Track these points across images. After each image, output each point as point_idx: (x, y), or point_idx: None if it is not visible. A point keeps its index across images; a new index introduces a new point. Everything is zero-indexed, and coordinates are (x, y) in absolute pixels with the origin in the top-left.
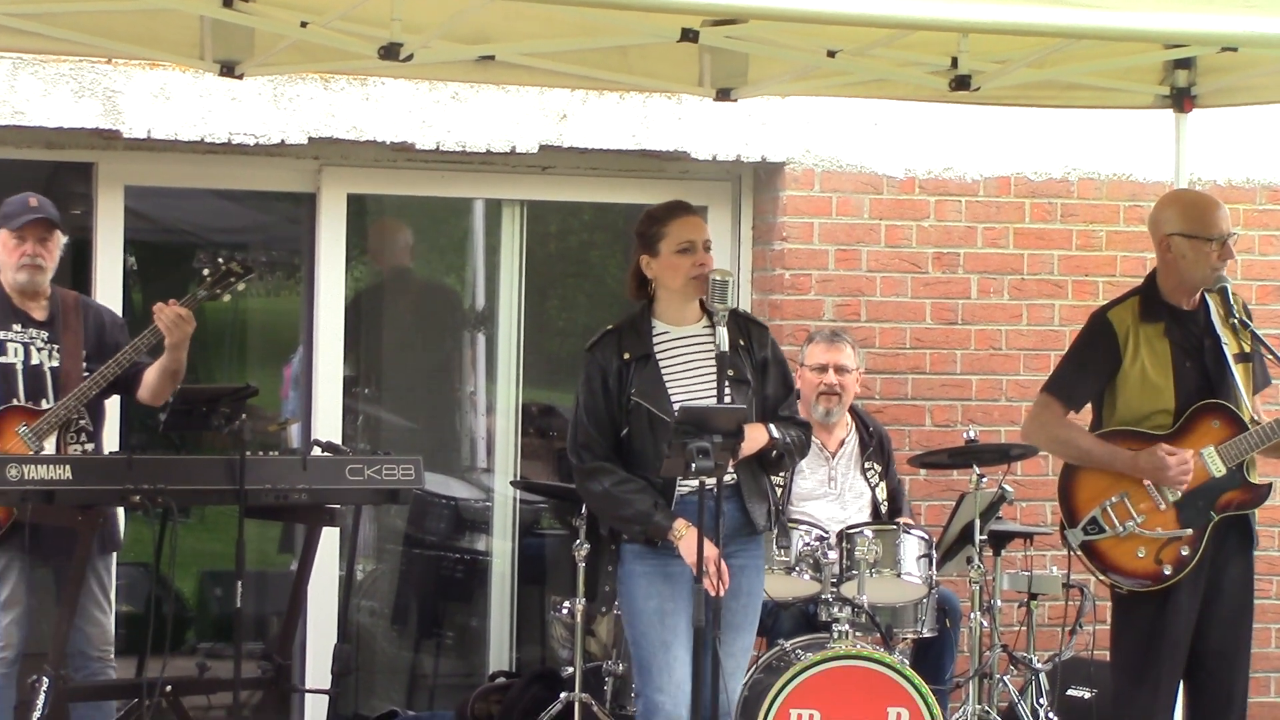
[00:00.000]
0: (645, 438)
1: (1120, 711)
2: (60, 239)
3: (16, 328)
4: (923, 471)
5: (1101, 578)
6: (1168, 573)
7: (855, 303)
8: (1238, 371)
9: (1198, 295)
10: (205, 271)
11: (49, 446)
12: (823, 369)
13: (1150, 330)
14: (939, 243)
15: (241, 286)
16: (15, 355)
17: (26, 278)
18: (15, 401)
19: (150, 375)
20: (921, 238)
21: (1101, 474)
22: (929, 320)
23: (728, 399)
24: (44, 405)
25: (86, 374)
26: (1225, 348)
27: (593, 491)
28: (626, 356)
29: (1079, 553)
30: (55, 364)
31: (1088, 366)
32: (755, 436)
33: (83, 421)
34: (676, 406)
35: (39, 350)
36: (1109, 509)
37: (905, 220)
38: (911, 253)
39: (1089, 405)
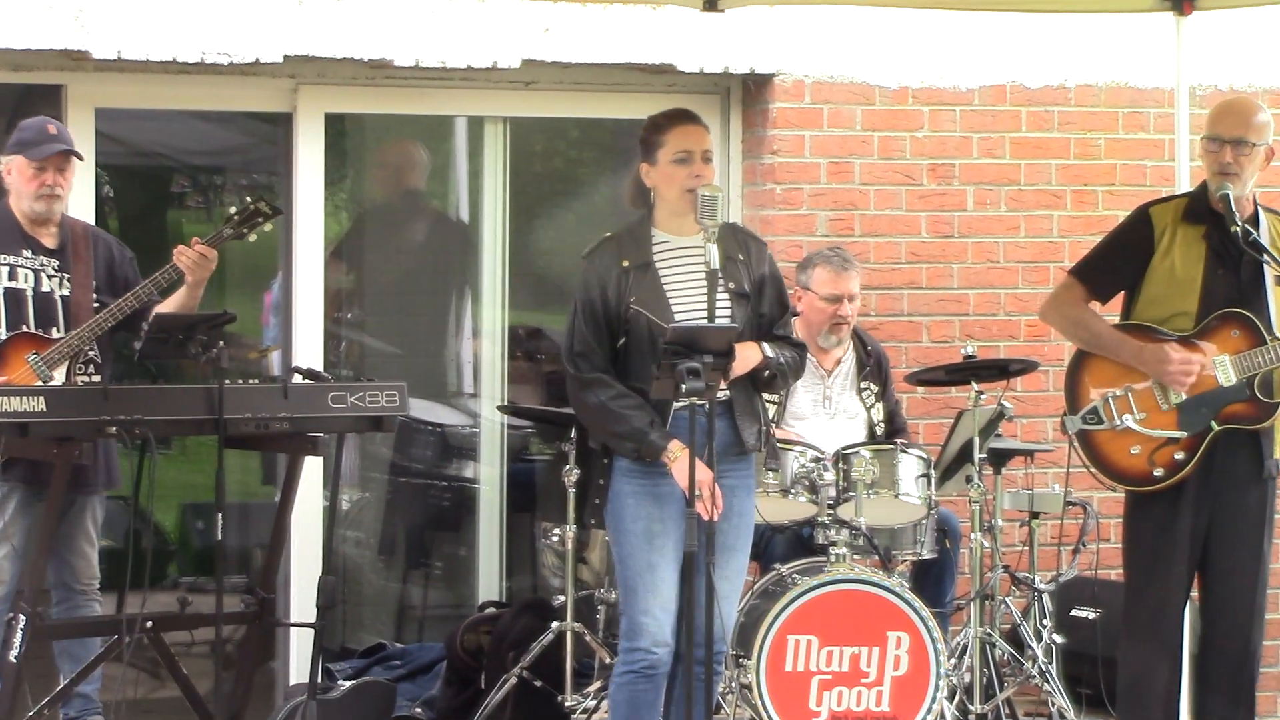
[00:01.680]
0: (643, 347)
1: (1134, 608)
2: (75, 166)
3: (26, 254)
4: (920, 389)
5: (1093, 471)
6: (1158, 474)
7: (849, 217)
8: (1275, 294)
9: (1250, 206)
10: (233, 210)
11: (58, 377)
12: (835, 299)
13: (1190, 231)
14: (933, 154)
15: (268, 228)
16: (25, 281)
17: (45, 207)
18: (25, 328)
19: (164, 312)
20: (915, 149)
21: (1111, 365)
22: (924, 233)
23: (724, 316)
24: (54, 334)
25: (96, 305)
26: (1267, 267)
27: (588, 404)
28: (625, 264)
29: (1074, 441)
30: (65, 293)
31: (1117, 254)
32: (747, 356)
33: (91, 353)
34: (674, 320)
35: (50, 278)
36: (1110, 401)
37: (898, 131)
38: (905, 164)
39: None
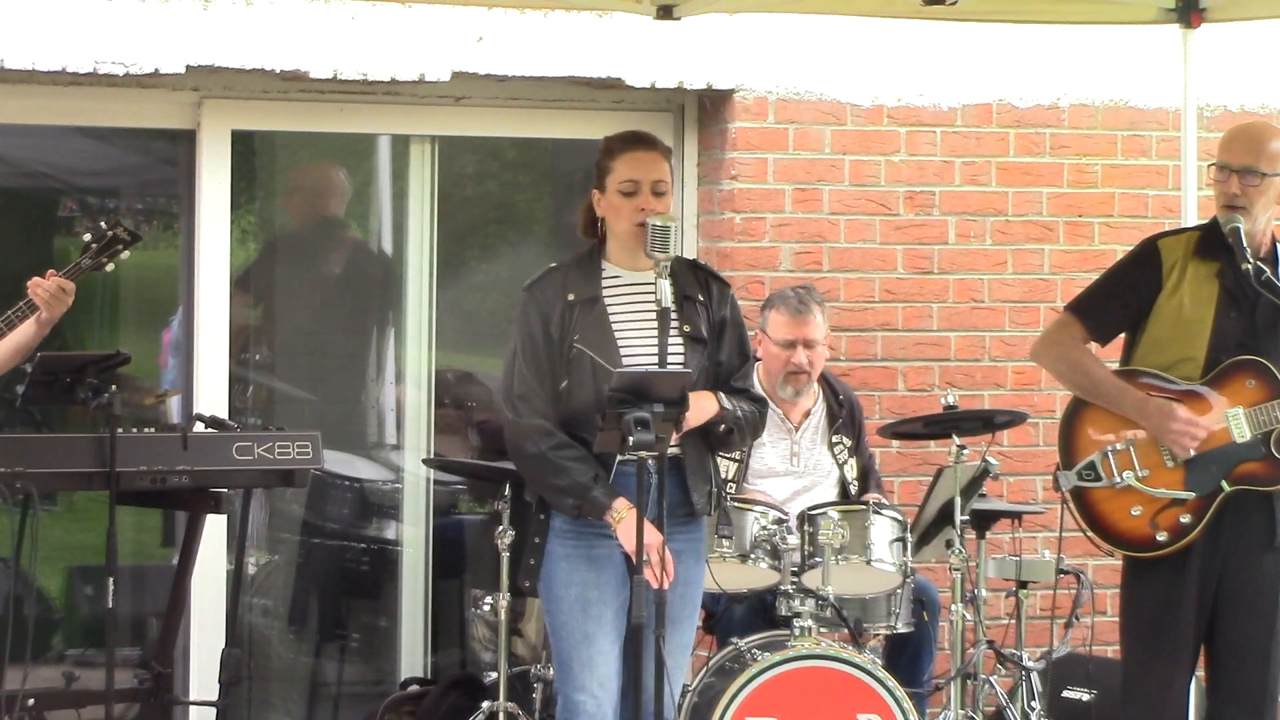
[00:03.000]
0: (587, 391)
1: (1133, 685)
2: None
3: None
4: (895, 443)
5: (1088, 534)
6: (1161, 538)
7: (816, 250)
8: None
9: (1267, 242)
10: (88, 238)
11: None
12: (789, 344)
13: (1202, 268)
14: (911, 180)
15: (127, 254)
16: None
17: None
18: None
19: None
20: (891, 175)
21: (1110, 415)
22: (901, 269)
23: (677, 358)
24: None
25: None
26: None
27: (526, 453)
28: (571, 298)
29: (1068, 500)
30: None
31: (1120, 290)
32: (703, 406)
33: None
34: (621, 364)
35: None
36: (1110, 455)
37: (872, 155)
38: (880, 192)
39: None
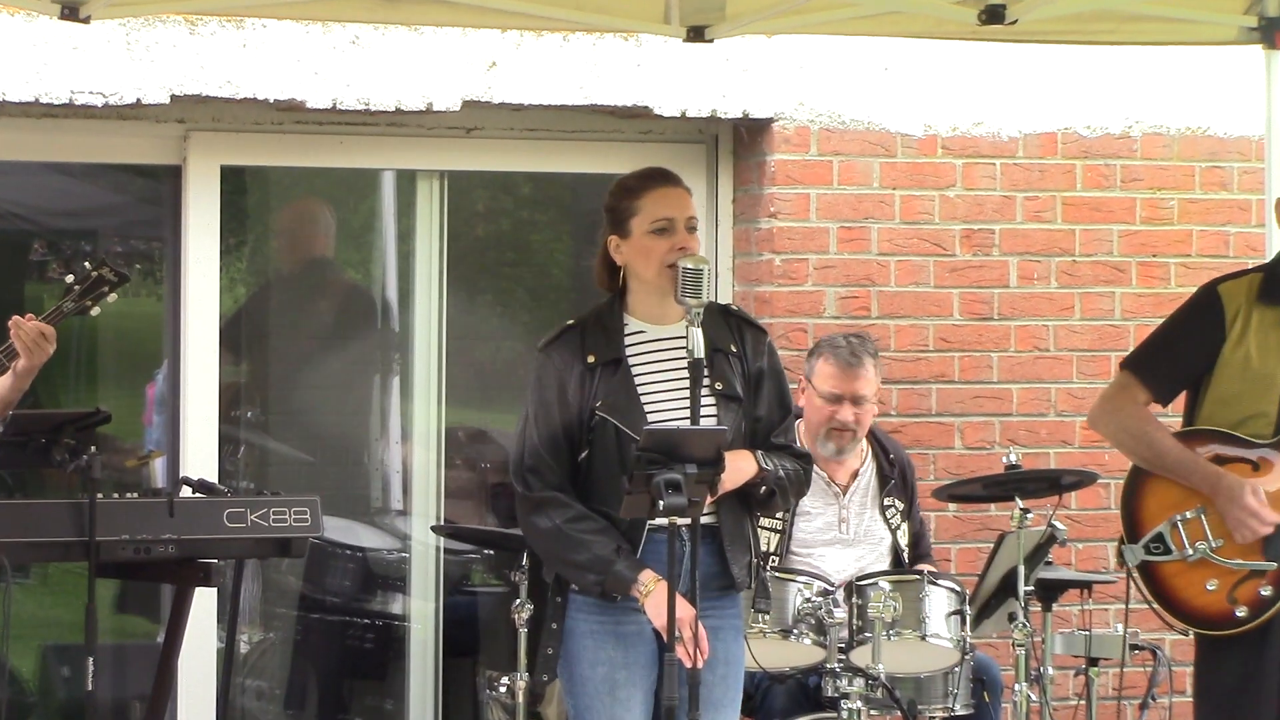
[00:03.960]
0: (610, 463)
1: None
2: None
3: None
4: (951, 506)
5: (1159, 612)
6: (1240, 614)
7: (864, 294)
8: None
9: None
10: (70, 279)
11: None
12: (835, 399)
13: (1268, 314)
14: (968, 217)
15: (114, 297)
16: None
17: None
18: None
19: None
20: (946, 211)
21: (1178, 484)
22: (957, 315)
23: (710, 418)
24: None
25: None
26: None
27: (539, 528)
28: (591, 360)
29: (1136, 576)
30: None
31: (1181, 343)
32: (740, 466)
33: None
34: (646, 427)
35: None
36: (1179, 526)
37: (925, 190)
38: (934, 230)
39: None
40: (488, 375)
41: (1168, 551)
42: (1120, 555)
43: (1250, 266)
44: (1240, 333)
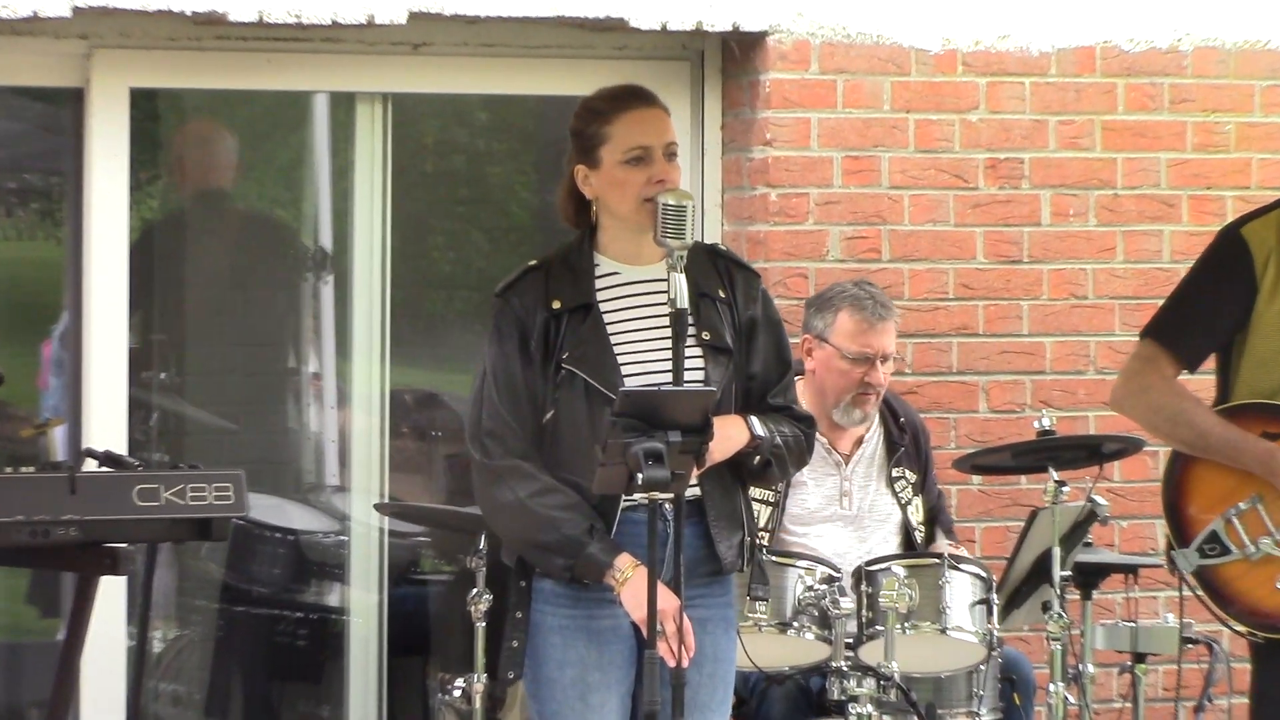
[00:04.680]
0: (579, 425)
1: None
2: None
3: None
4: (976, 478)
5: (1223, 618)
6: None
7: (873, 234)
8: None
9: None
10: None
11: None
12: (864, 359)
13: None
14: (993, 144)
15: None
16: None
17: None
18: None
19: None
20: (968, 138)
21: (1226, 470)
22: (981, 258)
23: (695, 376)
24: None
25: None
26: None
27: (500, 502)
28: (557, 306)
29: (1192, 582)
30: None
31: (1207, 300)
32: (731, 434)
33: None
34: (625, 385)
35: None
36: (1235, 520)
37: (944, 113)
38: (954, 160)
39: (1210, 368)
40: (439, 329)
41: (1226, 551)
42: (1171, 562)
43: (1275, 200)
44: (1275, 280)
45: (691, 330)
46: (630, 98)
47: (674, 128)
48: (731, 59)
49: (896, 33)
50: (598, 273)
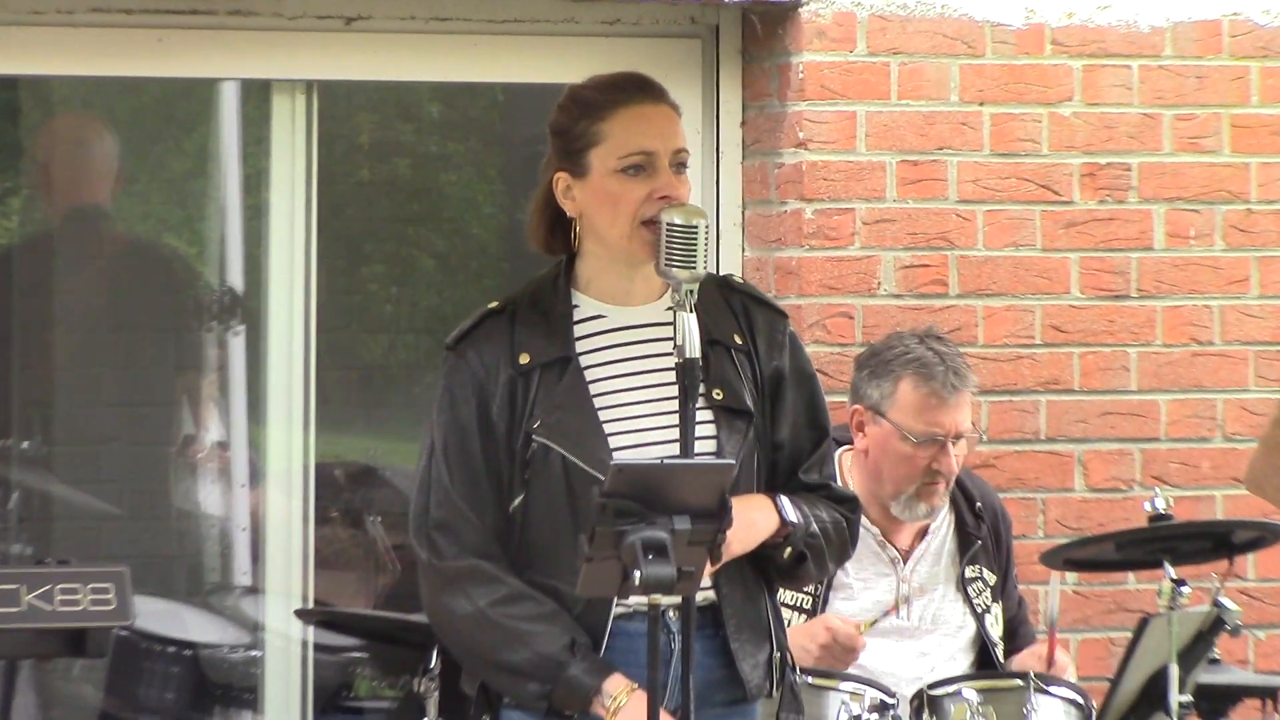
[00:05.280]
0: (557, 513)
1: None
2: None
3: None
4: (1070, 577)
5: None
6: None
7: (938, 263)
8: None
9: None
10: None
11: None
12: (932, 440)
13: None
14: (1091, 146)
15: None
16: None
17: None
18: None
19: None
20: (1059, 137)
21: None
22: (1076, 292)
23: (704, 447)
24: None
25: None
26: None
27: (455, 613)
28: (525, 361)
29: None
30: None
31: None
32: (754, 519)
33: None
34: (613, 460)
35: None
36: None
37: (1028, 105)
38: (1040, 166)
39: None
40: (378, 385)
41: None
42: None
43: None
44: None
45: (700, 389)
46: (632, 89)
47: (684, 132)
48: (754, 37)
49: (968, 3)
50: (577, 316)
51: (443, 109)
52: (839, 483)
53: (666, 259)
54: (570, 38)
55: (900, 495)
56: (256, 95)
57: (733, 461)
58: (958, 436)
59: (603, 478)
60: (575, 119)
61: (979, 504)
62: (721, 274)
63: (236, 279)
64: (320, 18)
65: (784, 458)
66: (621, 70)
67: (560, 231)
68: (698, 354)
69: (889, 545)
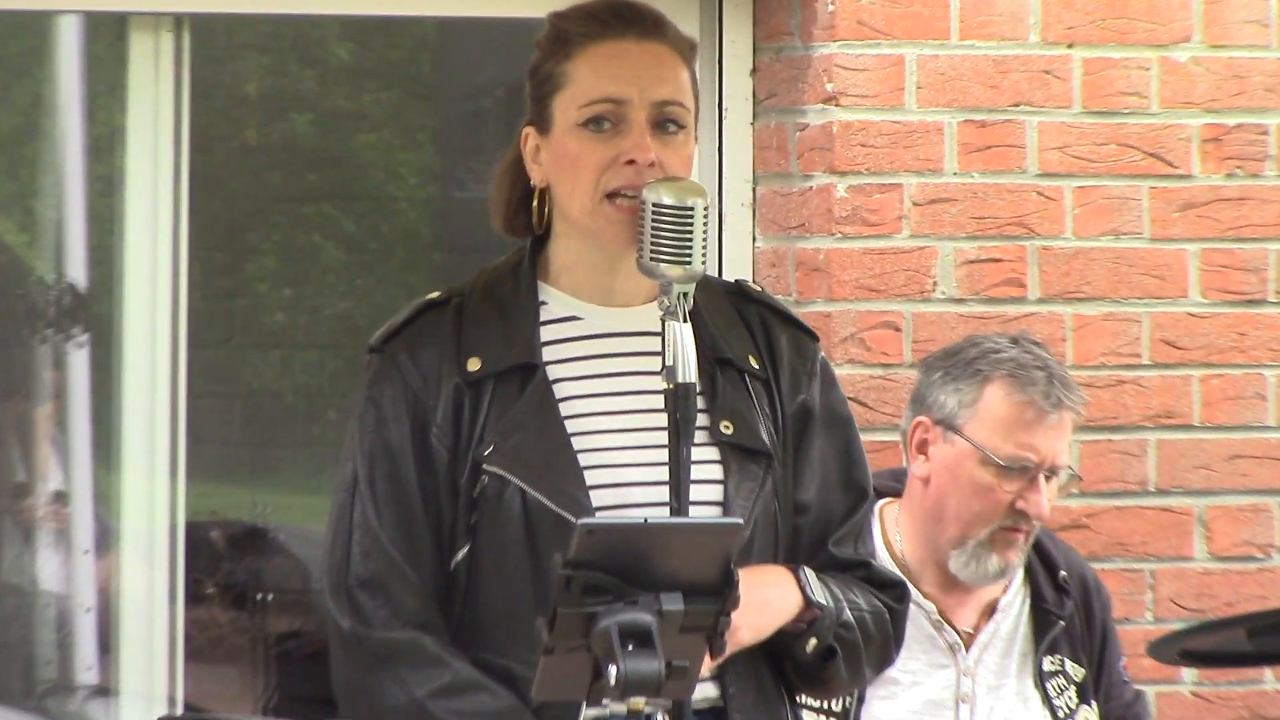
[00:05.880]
0: (513, 569)
1: None
2: None
3: None
4: (1187, 674)
5: None
6: None
7: (1013, 255)
8: None
9: None
10: None
11: None
12: (1020, 469)
13: None
14: (1216, 101)
15: None
16: None
17: None
18: None
19: None
20: (1174, 90)
21: None
22: (1196, 295)
23: (706, 495)
24: None
25: None
26: None
27: (384, 703)
28: (475, 368)
29: None
30: None
31: None
32: (769, 598)
33: None
34: (587, 504)
35: None
36: None
37: (1133, 48)
38: (1149, 128)
39: None
40: (269, 417)
41: None
42: None
43: None
44: None
45: (703, 420)
46: (611, 18)
47: (684, 80)
48: None
49: None
50: (545, 315)
51: (354, 51)
52: (879, 563)
53: (653, 251)
54: None
55: (967, 542)
56: (108, 32)
57: (740, 521)
58: (1053, 471)
59: (575, 519)
60: (545, 56)
61: (1063, 573)
62: (733, 280)
63: (79, 275)
64: None
65: (809, 524)
66: None
67: (526, 207)
68: (693, 378)
69: (947, 626)
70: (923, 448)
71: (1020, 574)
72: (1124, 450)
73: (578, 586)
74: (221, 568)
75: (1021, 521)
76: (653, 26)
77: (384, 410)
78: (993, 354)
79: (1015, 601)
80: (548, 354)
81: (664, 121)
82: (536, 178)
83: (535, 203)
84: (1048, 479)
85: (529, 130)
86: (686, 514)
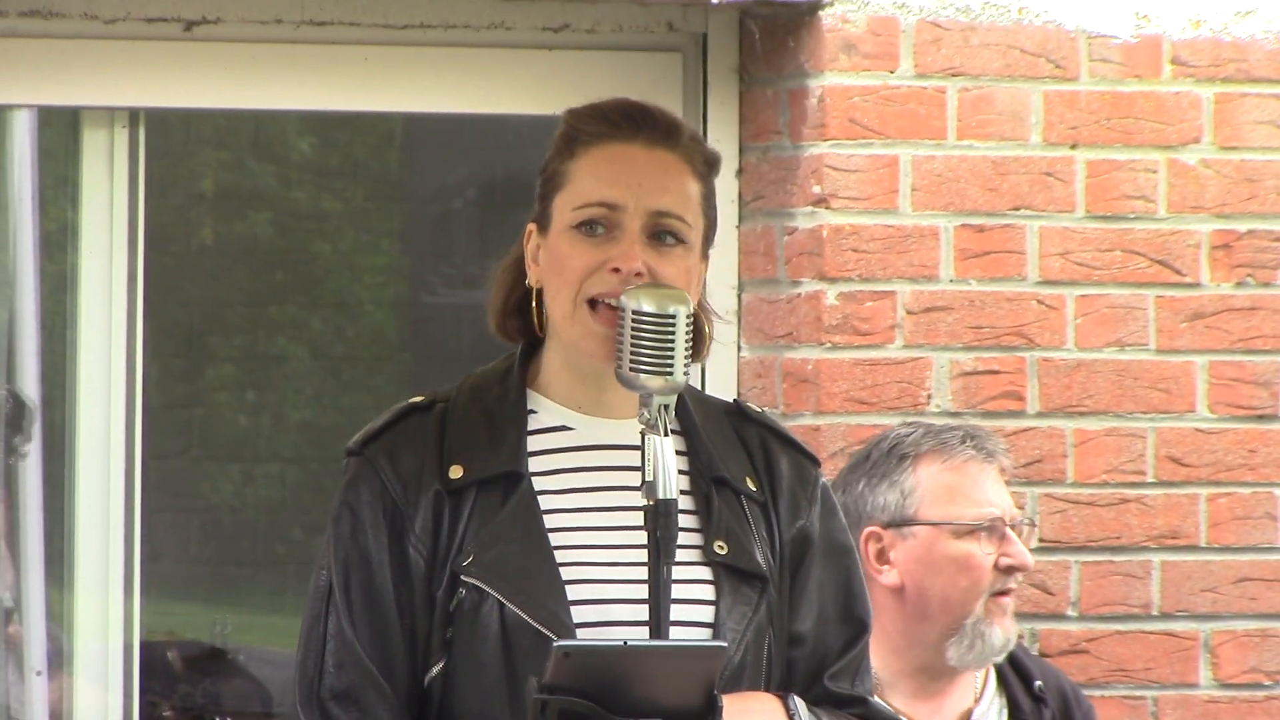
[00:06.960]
0: (489, 686)
1: None
2: None
3: None
4: (1201, 677)
5: None
6: None
7: (1011, 366)
8: None
9: None
10: None
11: None
12: (990, 525)
13: None
14: (1224, 206)
15: None
16: None
17: None
18: None
19: None
20: (1182, 194)
21: None
22: (1205, 410)
23: (694, 615)
24: None
25: None
26: None
27: None
28: (457, 475)
29: None
30: None
31: None
32: None
33: None
34: (569, 625)
35: None
36: None
37: (1137, 149)
38: (1153, 233)
39: None
40: (228, 535)
41: None
42: None
43: None
44: None
45: (696, 540)
46: (620, 119)
47: (691, 192)
48: (756, 51)
49: (1055, 5)
50: (534, 424)
51: (317, 146)
52: (877, 700)
53: (633, 361)
54: (498, 49)
55: (964, 622)
56: (61, 126)
57: (725, 644)
58: (1014, 522)
59: (554, 636)
60: (554, 153)
61: (1038, 682)
62: (732, 400)
63: (30, 381)
64: (150, 20)
65: (804, 657)
66: (628, 98)
67: (528, 312)
68: (674, 494)
69: None
70: (882, 557)
71: (994, 684)
72: (1127, 572)
73: (553, 712)
74: (179, 690)
75: (1009, 581)
76: (664, 134)
77: (360, 516)
78: (905, 439)
79: (990, 713)
80: (534, 464)
81: (660, 233)
82: (533, 278)
83: (535, 303)
84: (1013, 527)
85: (532, 228)
86: (666, 635)
